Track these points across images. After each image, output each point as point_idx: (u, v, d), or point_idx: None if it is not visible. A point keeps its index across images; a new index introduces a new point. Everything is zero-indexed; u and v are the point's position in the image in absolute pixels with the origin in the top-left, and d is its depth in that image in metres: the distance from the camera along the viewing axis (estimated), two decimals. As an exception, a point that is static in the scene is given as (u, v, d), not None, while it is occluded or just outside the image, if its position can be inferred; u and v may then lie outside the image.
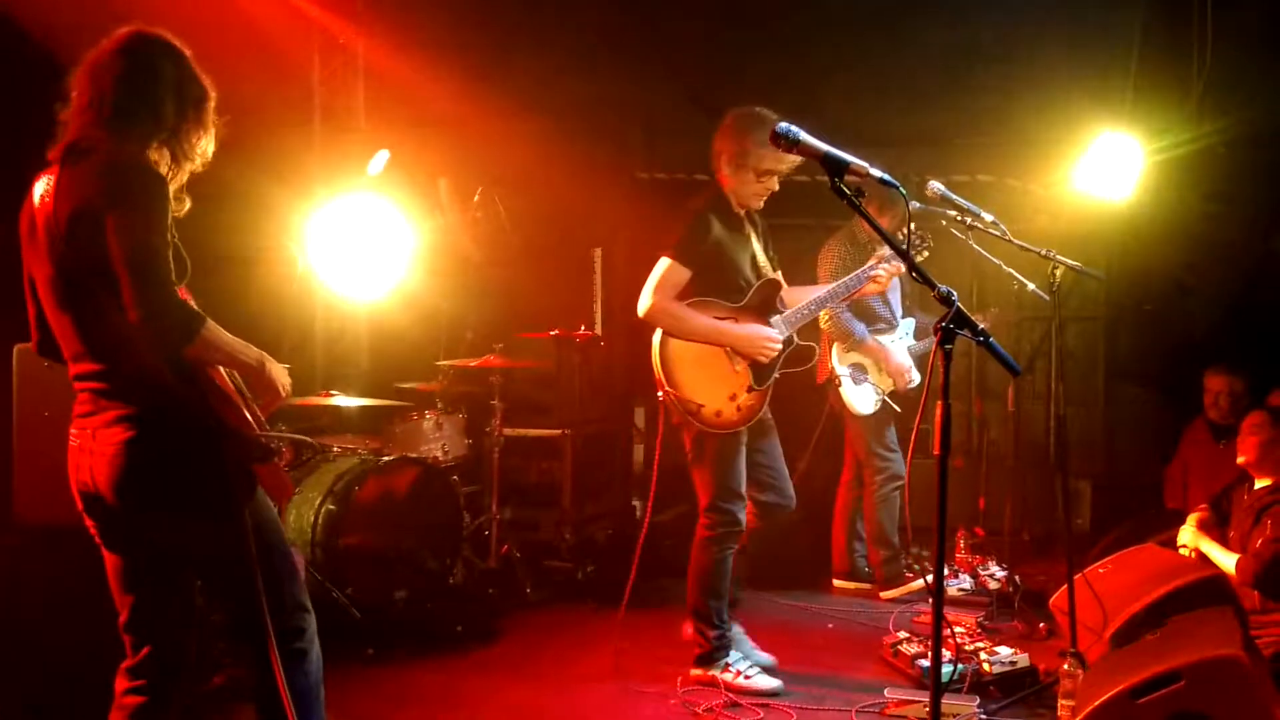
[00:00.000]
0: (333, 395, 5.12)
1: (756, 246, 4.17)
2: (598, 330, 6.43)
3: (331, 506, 4.55)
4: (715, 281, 4.00)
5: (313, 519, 4.57)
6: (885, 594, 5.42)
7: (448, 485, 5.00)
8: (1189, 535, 4.39)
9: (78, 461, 2.40)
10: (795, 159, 3.93)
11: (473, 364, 5.46)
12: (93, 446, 2.36)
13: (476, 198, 5.73)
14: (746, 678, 4.05)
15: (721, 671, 4.05)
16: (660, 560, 5.16)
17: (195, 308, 2.32)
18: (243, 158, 5.37)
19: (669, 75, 6.87)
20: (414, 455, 4.98)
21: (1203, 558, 4.25)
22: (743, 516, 4.11)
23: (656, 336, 4.00)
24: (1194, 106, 6.04)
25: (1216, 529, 4.40)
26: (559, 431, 6.18)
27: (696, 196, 4.12)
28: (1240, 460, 4.34)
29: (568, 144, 6.34)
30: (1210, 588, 3.79)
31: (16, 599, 3.57)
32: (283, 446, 2.49)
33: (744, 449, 4.09)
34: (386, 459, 4.79)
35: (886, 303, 5.52)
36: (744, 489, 4.10)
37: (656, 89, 6.86)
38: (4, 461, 3.77)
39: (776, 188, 4.06)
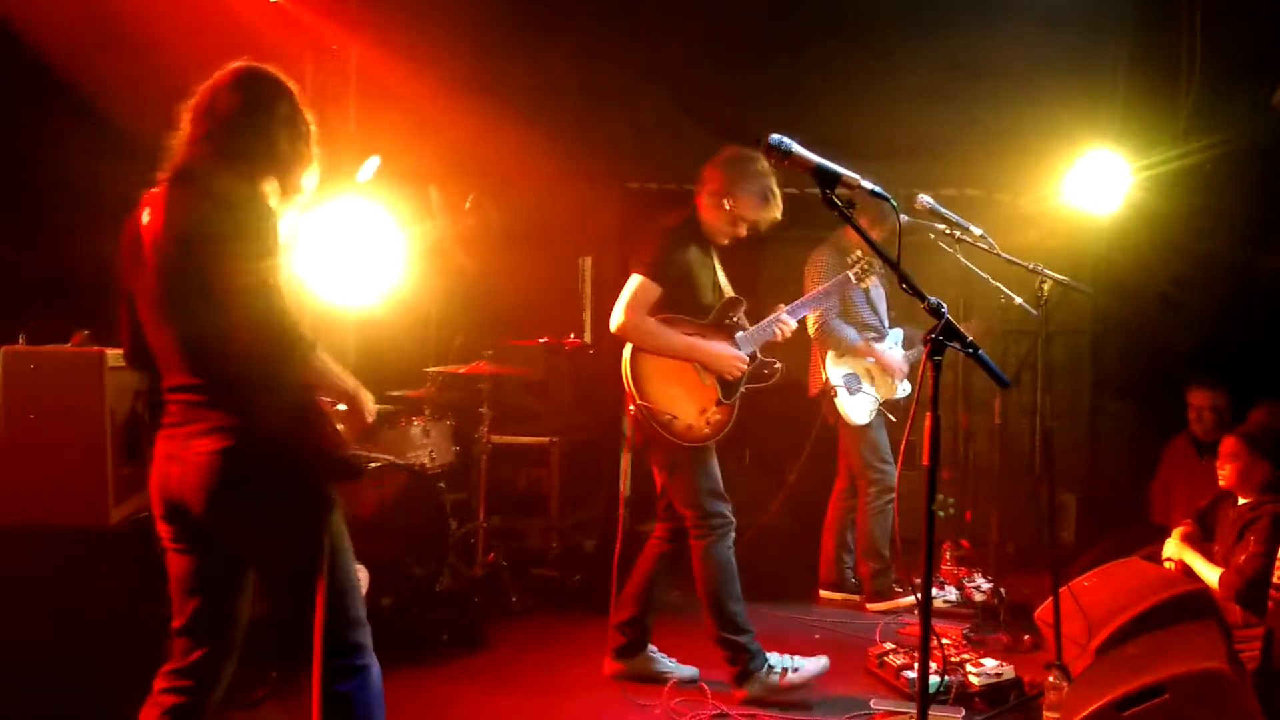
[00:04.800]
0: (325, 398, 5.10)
1: (719, 271, 4.28)
2: (587, 338, 6.43)
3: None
4: (682, 299, 4.09)
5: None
6: (873, 606, 5.43)
7: (434, 492, 4.99)
8: (1173, 548, 4.42)
9: (166, 470, 2.50)
10: (772, 216, 4.13)
11: (461, 371, 5.46)
12: (183, 455, 2.45)
13: (468, 205, 5.73)
14: (796, 670, 4.07)
15: (768, 676, 4.05)
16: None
17: (305, 335, 2.45)
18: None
19: (661, 86, 6.89)
20: (401, 461, 4.97)
21: (1187, 571, 4.27)
22: (730, 513, 4.16)
23: (627, 351, 4.09)
24: (1181, 123, 6.09)
25: (1200, 543, 4.42)
26: (547, 439, 6.18)
27: (670, 215, 4.22)
28: (1223, 484, 4.38)
29: (559, 153, 6.35)
30: (1194, 602, 3.82)
31: (1, 601, 3.55)
32: (370, 466, 2.59)
33: (714, 458, 4.17)
34: (373, 465, 4.78)
35: (875, 312, 5.54)
36: (723, 490, 4.16)
37: (648, 99, 6.88)
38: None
39: (744, 234, 4.18)
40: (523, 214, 6.35)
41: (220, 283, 2.37)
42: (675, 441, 4.04)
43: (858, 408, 5.40)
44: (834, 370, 5.40)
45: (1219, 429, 5.16)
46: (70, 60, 4.44)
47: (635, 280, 4.03)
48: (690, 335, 4.08)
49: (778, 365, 4.29)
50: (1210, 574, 4.15)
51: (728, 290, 4.29)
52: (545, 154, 6.26)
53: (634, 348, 4.07)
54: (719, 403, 4.11)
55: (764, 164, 4.08)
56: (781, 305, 4.33)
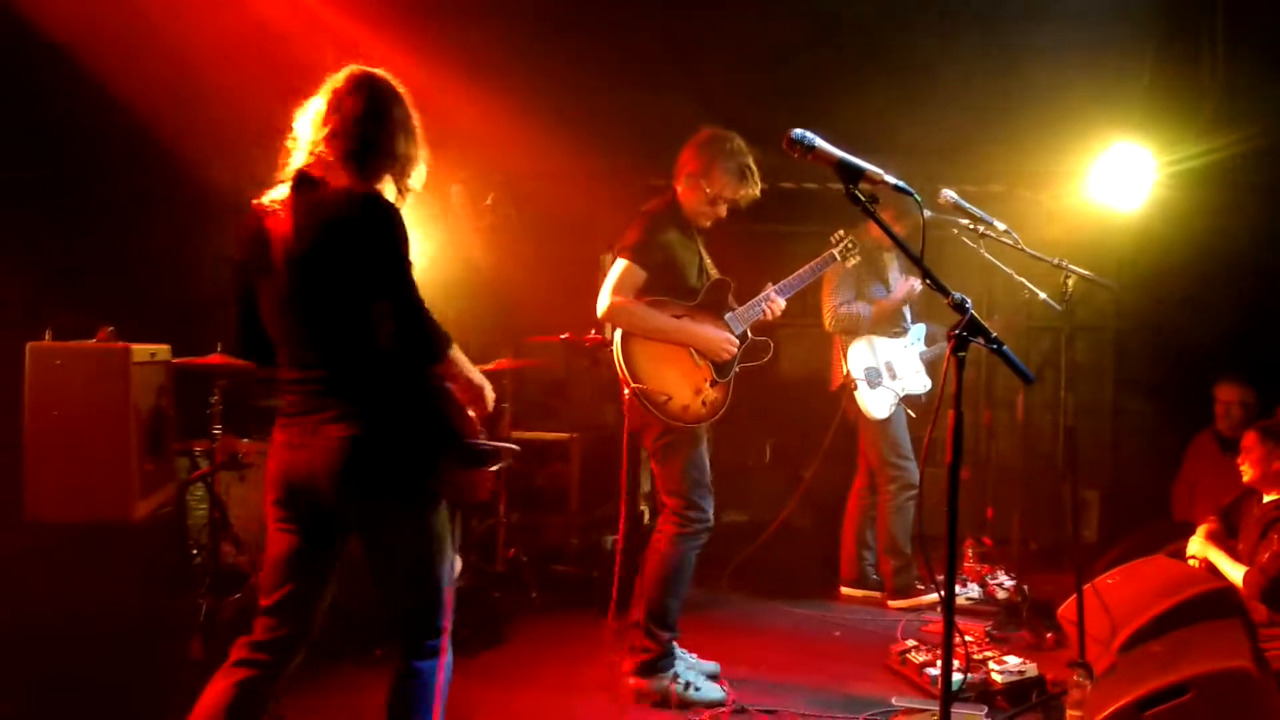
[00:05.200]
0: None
1: (704, 255, 4.25)
2: (607, 335, 6.42)
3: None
4: (668, 283, 4.07)
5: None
6: (895, 603, 5.41)
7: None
8: (1197, 545, 4.39)
9: (291, 456, 2.60)
10: (751, 193, 4.10)
11: (483, 367, 5.47)
12: (311, 441, 2.57)
13: (489, 203, 5.75)
14: (696, 689, 4.01)
15: (671, 683, 4.01)
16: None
17: (443, 329, 2.61)
18: (253, 164, 5.42)
19: (680, 84, 6.88)
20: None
21: (1211, 568, 4.24)
22: (711, 514, 4.13)
23: (617, 335, 4.04)
24: (1207, 119, 6.03)
25: (1225, 541, 4.39)
26: (567, 435, 6.18)
27: (653, 201, 4.22)
28: (1246, 479, 4.35)
29: (580, 151, 6.36)
30: (1219, 600, 3.78)
31: (28, 597, 3.59)
32: (498, 453, 2.68)
33: (705, 447, 4.14)
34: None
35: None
36: (710, 484, 4.13)
37: (668, 98, 6.87)
38: (15, 460, 3.78)
39: (724, 214, 4.17)
40: (544, 211, 6.36)
41: (364, 279, 2.53)
42: (670, 422, 4.01)
43: (878, 401, 5.38)
44: (854, 364, 5.38)
45: (1245, 425, 5.11)
46: (96, 59, 4.47)
47: (620, 264, 4.00)
48: (679, 317, 4.06)
49: (769, 343, 4.25)
50: (1234, 572, 4.12)
51: (714, 273, 4.26)
52: (566, 151, 6.26)
53: (623, 332, 4.03)
54: (713, 382, 4.08)
55: (739, 142, 4.08)
56: (770, 284, 4.31)
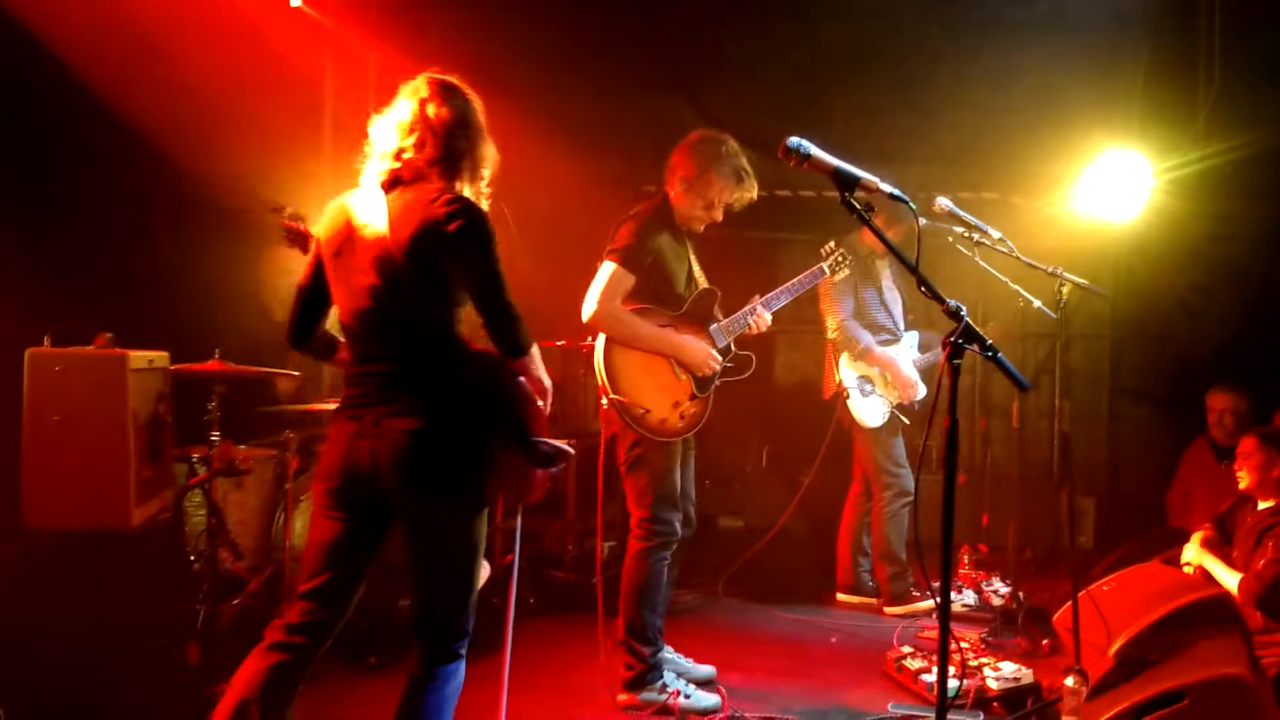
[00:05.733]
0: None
1: (694, 262, 4.20)
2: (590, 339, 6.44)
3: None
4: (655, 290, 4.01)
5: (318, 527, 4.58)
6: (890, 610, 5.42)
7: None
8: (1193, 552, 4.40)
9: (354, 447, 2.67)
10: (748, 195, 4.06)
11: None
12: (376, 431, 2.65)
13: (485, 208, 5.75)
14: (686, 698, 3.99)
15: (658, 693, 3.98)
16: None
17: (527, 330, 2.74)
18: (253, 168, 5.43)
19: (677, 90, 6.90)
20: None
21: (1206, 575, 4.25)
22: (679, 525, 4.09)
23: (600, 343, 3.98)
24: (1201, 126, 6.06)
25: (1220, 548, 4.40)
26: (564, 441, 6.17)
27: (643, 204, 4.14)
28: (1242, 486, 4.36)
29: (576, 156, 6.37)
30: (1215, 606, 3.78)
31: (25, 603, 3.59)
32: (561, 455, 2.68)
33: (678, 461, 4.10)
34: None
35: (890, 315, 5.54)
36: (679, 499, 4.09)
37: (665, 103, 6.89)
38: (13, 466, 3.78)
39: (720, 218, 4.12)
40: (541, 218, 6.37)
41: (456, 279, 2.65)
42: (644, 435, 3.95)
43: (870, 410, 5.39)
44: (846, 373, 5.39)
45: (1239, 433, 5.12)
46: (96, 68, 4.48)
47: (608, 268, 3.92)
48: (663, 326, 4.00)
49: (751, 357, 4.20)
50: (1230, 579, 4.12)
51: (702, 282, 4.21)
52: (563, 158, 6.27)
53: (607, 339, 3.95)
54: (693, 396, 4.03)
55: (734, 144, 4.03)
56: (757, 296, 4.27)
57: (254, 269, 5.68)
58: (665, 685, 4.00)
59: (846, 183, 2.49)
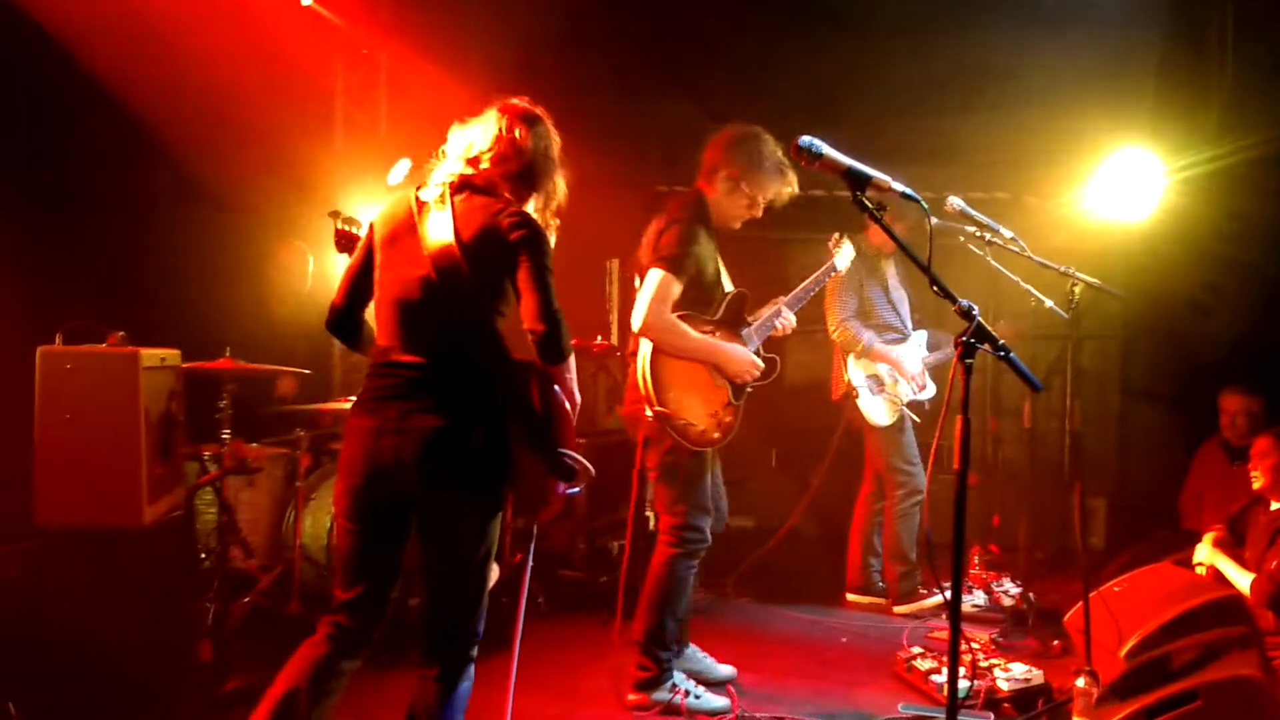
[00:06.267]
0: (350, 402, 5.14)
1: (720, 262, 4.12)
2: (614, 340, 6.44)
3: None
4: (694, 295, 3.92)
5: (328, 524, 4.60)
6: (899, 609, 5.41)
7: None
8: (1205, 553, 4.38)
9: (378, 442, 2.68)
10: (792, 190, 4.01)
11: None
12: (401, 427, 2.66)
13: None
14: (696, 698, 3.97)
15: (670, 694, 3.96)
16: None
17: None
18: (264, 167, 5.45)
19: (688, 90, 6.89)
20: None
21: (1218, 576, 4.23)
22: (709, 532, 4.06)
23: (645, 351, 3.87)
24: (1214, 125, 6.03)
25: (1232, 549, 4.38)
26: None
27: (680, 206, 4.01)
28: (1256, 486, 4.34)
29: (587, 157, 6.34)
30: (1227, 607, 3.77)
31: (38, 601, 3.60)
32: (581, 472, 2.65)
33: (709, 468, 4.08)
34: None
35: (897, 313, 5.53)
36: (710, 505, 4.06)
37: (675, 104, 6.89)
38: (25, 464, 3.79)
39: (760, 215, 4.06)
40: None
41: (510, 284, 2.72)
42: (682, 444, 3.88)
43: (879, 409, 5.38)
44: (855, 372, 5.39)
45: (1252, 434, 5.09)
46: (108, 67, 4.50)
47: (657, 275, 3.80)
48: (705, 334, 3.93)
49: (777, 360, 4.16)
50: (1242, 580, 4.11)
51: (727, 283, 4.14)
52: (572, 157, 6.27)
53: (653, 349, 3.85)
54: (728, 404, 3.98)
55: (770, 138, 3.96)
56: (780, 298, 4.24)
57: (266, 267, 5.69)
58: (675, 685, 4.00)
59: (858, 182, 2.49)
